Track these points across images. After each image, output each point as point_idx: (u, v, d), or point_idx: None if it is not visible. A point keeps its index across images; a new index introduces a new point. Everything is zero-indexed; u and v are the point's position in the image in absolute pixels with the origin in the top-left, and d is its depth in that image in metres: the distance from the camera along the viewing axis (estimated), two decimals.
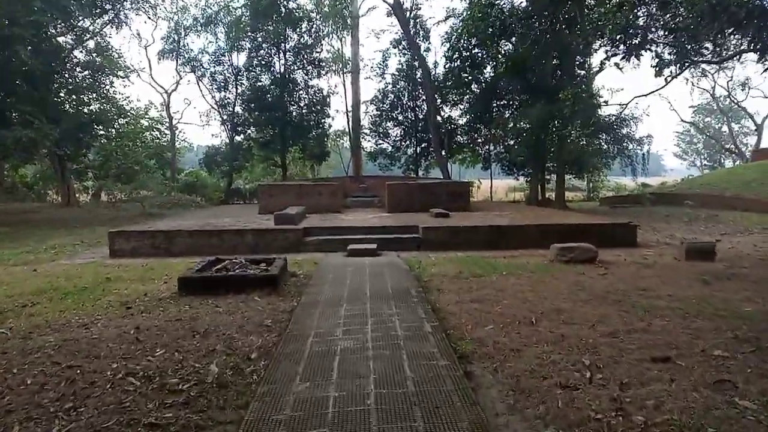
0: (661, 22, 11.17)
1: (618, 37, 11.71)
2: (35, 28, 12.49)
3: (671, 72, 13.77)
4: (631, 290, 5.67)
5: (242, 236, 9.43)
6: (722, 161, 51.02)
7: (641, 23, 11.41)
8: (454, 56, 23.10)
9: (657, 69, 11.42)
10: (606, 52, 15.26)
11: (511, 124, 22.79)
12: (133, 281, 6.27)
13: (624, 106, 21.16)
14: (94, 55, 23.50)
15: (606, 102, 21.10)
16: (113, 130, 26.95)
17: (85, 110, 22.98)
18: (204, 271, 5.94)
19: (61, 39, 18.21)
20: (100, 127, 25.15)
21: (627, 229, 10.11)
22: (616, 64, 13.86)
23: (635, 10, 10.85)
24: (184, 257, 8.95)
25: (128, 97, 28.50)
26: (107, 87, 24.15)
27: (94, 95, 23.48)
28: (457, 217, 11.73)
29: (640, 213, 19.09)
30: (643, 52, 12.18)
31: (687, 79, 32.91)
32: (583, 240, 9.03)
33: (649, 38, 11.61)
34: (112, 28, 21.14)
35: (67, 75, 21.17)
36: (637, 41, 11.46)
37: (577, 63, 22.63)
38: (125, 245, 9.25)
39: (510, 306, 4.99)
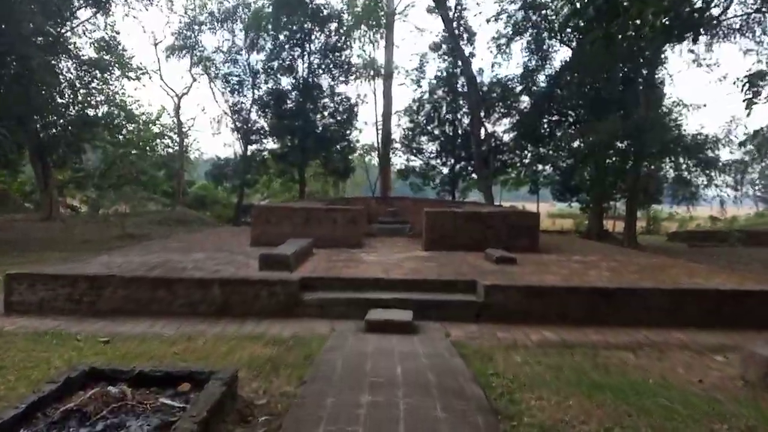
0: None
1: None
2: None
3: None
4: None
5: (206, 289, 6.11)
6: None
7: None
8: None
9: None
10: None
11: (568, 141, 19.17)
12: None
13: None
14: (103, 53, 21.07)
15: None
16: (120, 136, 24.53)
17: (89, 112, 20.51)
18: (30, 421, 2.57)
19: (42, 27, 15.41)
20: (106, 132, 22.72)
21: None
22: None
23: None
24: (113, 319, 5.80)
25: (138, 101, 25.79)
26: (111, 86, 21.67)
27: (99, 98, 21.02)
28: (526, 263, 8.17)
29: (738, 258, 15.06)
30: None
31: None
32: (740, 315, 5.99)
33: None
34: (103, 15, 18.43)
35: (63, 69, 18.67)
36: None
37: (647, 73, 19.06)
38: (30, 296, 6.06)
39: None
